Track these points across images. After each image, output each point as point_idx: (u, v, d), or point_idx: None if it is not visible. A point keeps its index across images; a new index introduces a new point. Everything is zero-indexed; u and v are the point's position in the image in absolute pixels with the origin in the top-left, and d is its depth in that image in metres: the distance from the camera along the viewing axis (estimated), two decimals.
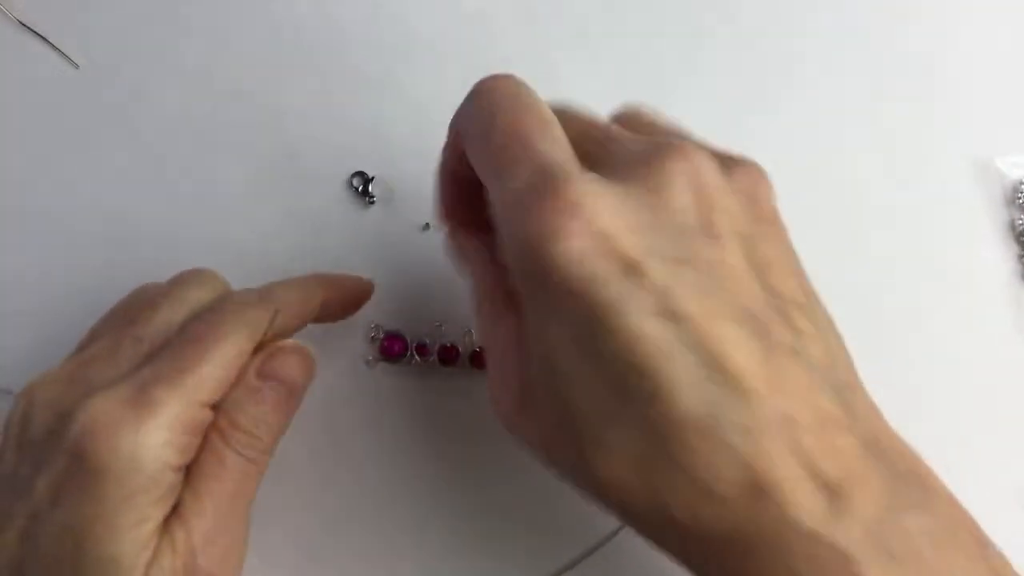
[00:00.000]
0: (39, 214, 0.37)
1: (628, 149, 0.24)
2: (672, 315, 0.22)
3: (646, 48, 0.40)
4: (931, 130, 0.39)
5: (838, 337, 0.25)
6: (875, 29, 0.40)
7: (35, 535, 0.25)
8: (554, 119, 0.25)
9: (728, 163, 0.25)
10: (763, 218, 0.25)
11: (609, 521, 0.34)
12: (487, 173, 0.25)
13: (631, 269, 0.22)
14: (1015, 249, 0.38)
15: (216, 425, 0.27)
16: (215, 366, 0.27)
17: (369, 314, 0.36)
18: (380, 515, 0.35)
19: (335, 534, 0.34)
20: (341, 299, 0.33)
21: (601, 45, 0.40)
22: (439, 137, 0.39)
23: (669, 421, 0.21)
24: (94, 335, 0.30)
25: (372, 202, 0.37)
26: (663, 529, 0.23)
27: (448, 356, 0.35)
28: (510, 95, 0.26)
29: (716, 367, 0.21)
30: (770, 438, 0.21)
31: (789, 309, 0.23)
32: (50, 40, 0.39)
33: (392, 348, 0.35)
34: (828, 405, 0.22)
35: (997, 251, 0.38)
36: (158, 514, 0.25)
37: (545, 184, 0.22)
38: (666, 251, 0.22)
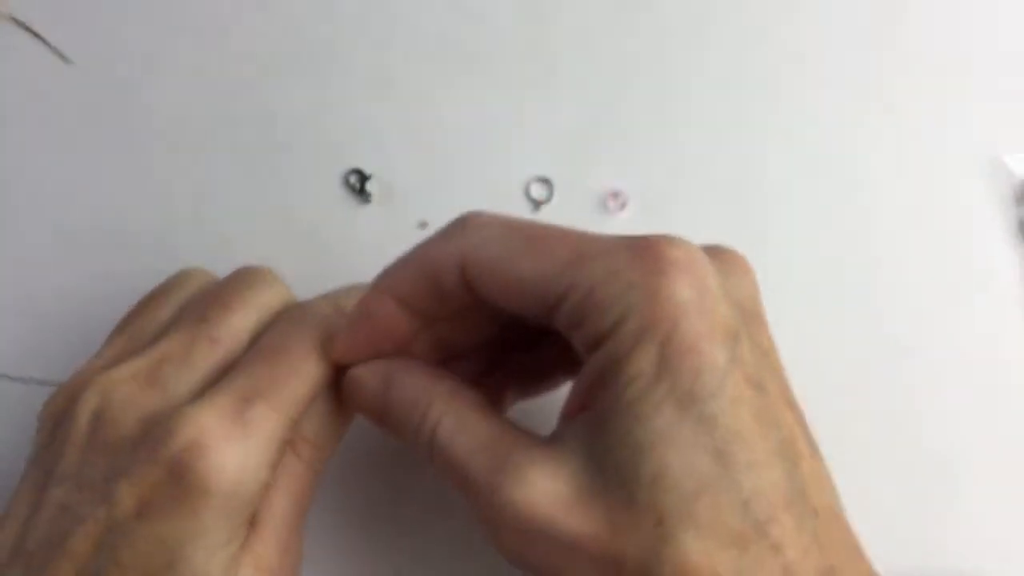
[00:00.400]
0: (31, 211, 0.37)
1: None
2: (759, 385, 0.24)
3: (648, 48, 0.40)
4: (939, 127, 0.39)
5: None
6: (882, 26, 0.40)
7: (115, 546, 0.24)
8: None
9: (715, 255, 0.26)
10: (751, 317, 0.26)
11: None
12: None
13: (733, 338, 0.23)
14: (1023, 248, 0.38)
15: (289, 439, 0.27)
16: (304, 381, 0.26)
17: None
18: (380, 516, 0.34)
19: (335, 534, 0.34)
20: None
21: (602, 45, 0.39)
22: (437, 133, 0.38)
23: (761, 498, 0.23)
24: (150, 322, 0.29)
25: (369, 200, 0.37)
26: None
27: None
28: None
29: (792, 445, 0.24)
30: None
31: None
32: (42, 36, 0.38)
33: None
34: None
35: (1006, 249, 0.38)
36: (245, 532, 0.25)
37: (646, 239, 0.24)
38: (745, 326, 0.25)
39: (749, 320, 0.25)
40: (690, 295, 0.23)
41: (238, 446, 0.24)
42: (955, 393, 0.36)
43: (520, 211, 0.37)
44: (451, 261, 0.25)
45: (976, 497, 0.36)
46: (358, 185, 0.37)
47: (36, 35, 0.38)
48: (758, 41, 0.40)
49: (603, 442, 0.23)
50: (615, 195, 0.37)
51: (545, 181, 0.37)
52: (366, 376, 0.27)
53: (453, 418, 0.25)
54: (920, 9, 0.40)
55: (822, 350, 0.36)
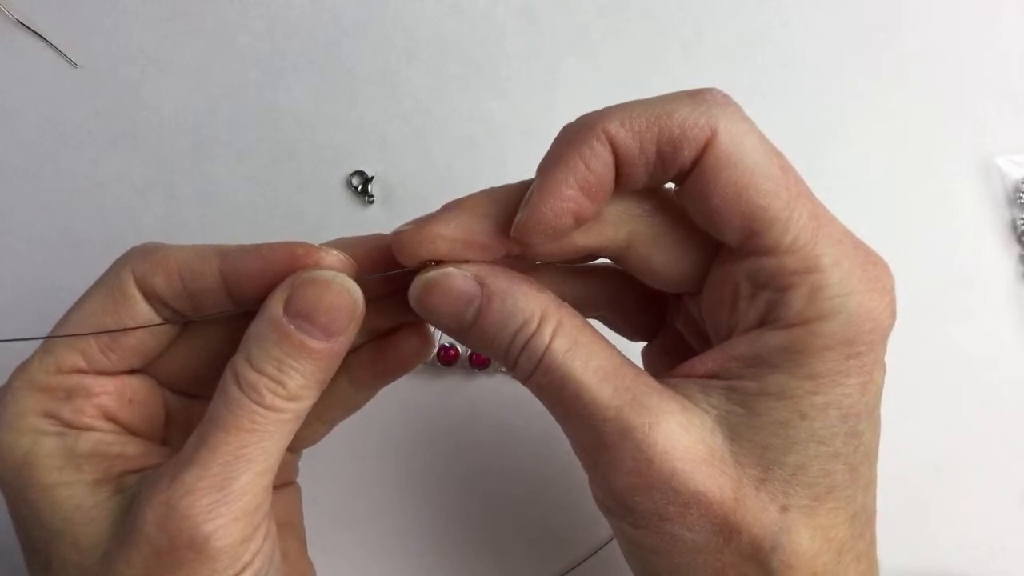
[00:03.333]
0: (39, 211, 0.37)
1: None
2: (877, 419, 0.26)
3: (646, 49, 0.40)
4: (932, 129, 0.39)
5: None
6: (876, 29, 0.40)
7: None
8: None
9: None
10: None
11: (607, 524, 0.34)
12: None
13: (884, 364, 0.26)
14: (1016, 249, 0.38)
15: (231, 364, 0.24)
16: None
17: None
18: (380, 517, 0.35)
19: (334, 535, 0.34)
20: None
21: (601, 46, 0.40)
22: (438, 136, 0.39)
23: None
24: None
25: (371, 201, 0.37)
26: None
27: (448, 357, 0.35)
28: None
29: None
30: None
31: None
32: (49, 39, 0.39)
33: None
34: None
35: (998, 250, 0.38)
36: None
37: (872, 253, 0.26)
38: None
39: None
40: (890, 324, 0.24)
41: None
42: (948, 392, 0.37)
43: None
44: (699, 129, 0.23)
45: (973, 497, 0.36)
46: (361, 187, 0.38)
47: (44, 39, 0.39)
48: (753, 44, 0.40)
49: (751, 420, 0.23)
50: None
51: None
52: (453, 277, 0.24)
53: (568, 338, 0.23)
54: (913, 13, 0.41)
55: None
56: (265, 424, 0.24)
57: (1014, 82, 0.40)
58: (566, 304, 0.24)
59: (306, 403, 0.24)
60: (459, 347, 0.35)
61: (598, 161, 0.23)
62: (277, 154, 0.38)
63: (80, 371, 0.25)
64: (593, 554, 0.34)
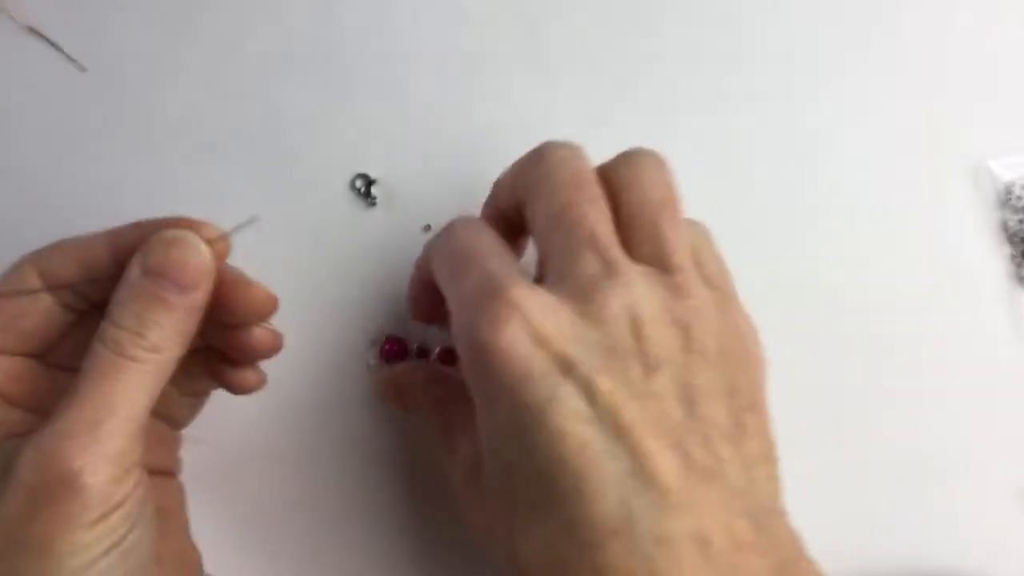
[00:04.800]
0: (46, 214, 0.38)
1: (581, 272, 0.26)
2: (600, 420, 0.23)
3: (644, 53, 0.40)
4: (923, 131, 0.39)
5: (769, 464, 0.27)
6: (868, 31, 0.41)
7: None
8: (501, 248, 0.28)
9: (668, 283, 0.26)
10: (695, 349, 0.26)
11: None
12: (446, 285, 0.28)
13: (565, 369, 0.24)
14: (1007, 250, 0.38)
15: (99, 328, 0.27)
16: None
17: (371, 316, 0.36)
18: (380, 517, 0.35)
19: (334, 535, 0.35)
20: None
21: (600, 50, 0.40)
22: (442, 138, 0.39)
23: (589, 521, 0.23)
24: None
25: (374, 203, 0.38)
26: None
27: (449, 358, 0.36)
28: (471, 229, 0.29)
29: (639, 476, 0.23)
30: (683, 553, 0.22)
31: (712, 435, 0.25)
32: (57, 44, 0.39)
33: (393, 351, 0.35)
34: (743, 528, 0.23)
35: (989, 252, 0.38)
36: None
37: (490, 285, 0.25)
38: (597, 362, 0.24)
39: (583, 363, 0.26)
40: (509, 337, 0.25)
41: None
42: (940, 394, 0.37)
43: None
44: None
45: (969, 498, 0.36)
46: (364, 189, 0.38)
47: (52, 44, 0.39)
48: (747, 46, 0.40)
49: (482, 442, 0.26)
50: None
51: None
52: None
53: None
54: (904, 13, 0.41)
55: (806, 351, 0.37)
56: (127, 373, 0.26)
57: (1005, 84, 0.40)
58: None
59: (168, 354, 0.27)
60: (406, 342, 0.36)
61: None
62: (281, 156, 0.38)
63: None
64: None
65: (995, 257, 0.38)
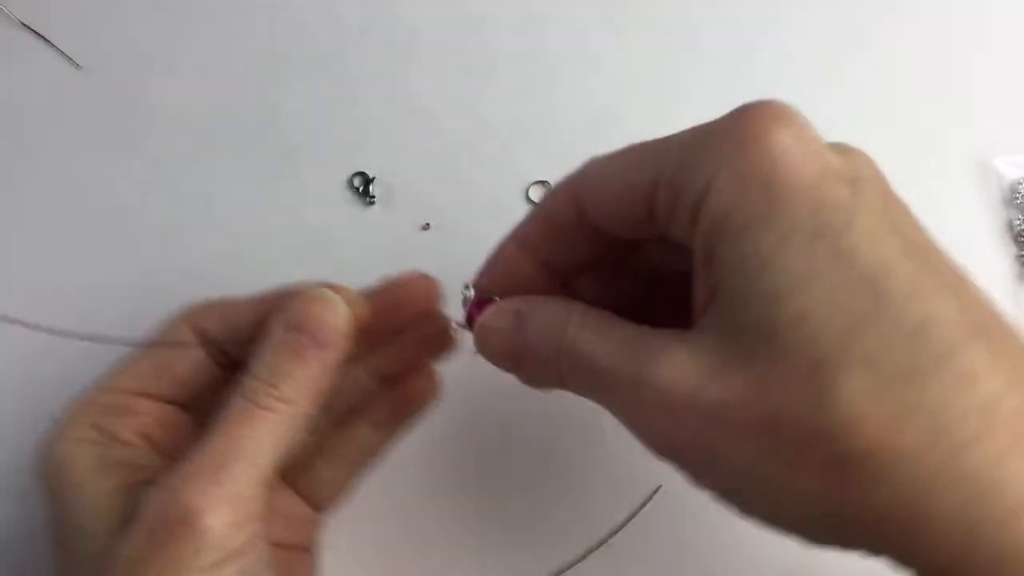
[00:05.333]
0: (43, 211, 0.37)
1: None
2: (897, 231, 0.21)
3: (645, 49, 0.40)
4: (930, 130, 0.39)
5: None
6: (873, 29, 0.40)
7: None
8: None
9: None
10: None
11: (606, 523, 0.35)
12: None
13: (852, 182, 0.22)
14: (1013, 249, 0.38)
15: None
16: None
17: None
18: (380, 516, 0.35)
19: (335, 534, 0.35)
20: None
21: (601, 46, 0.40)
22: (440, 137, 0.39)
23: (937, 326, 0.20)
24: None
25: (372, 202, 0.38)
26: (885, 478, 0.20)
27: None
28: None
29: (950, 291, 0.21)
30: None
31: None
32: (52, 41, 0.39)
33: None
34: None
35: (995, 251, 0.38)
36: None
37: (748, 105, 0.23)
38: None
39: (877, 189, 0.23)
40: (787, 136, 0.21)
41: None
42: None
43: (520, 214, 0.37)
44: (564, 191, 0.26)
45: None
46: (362, 188, 0.38)
47: (47, 40, 0.39)
48: (752, 44, 0.40)
49: (733, 307, 0.21)
50: None
51: (544, 184, 0.38)
52: (495, 318, 0.27)
53: (591, 329, 0.25)
54: (910, 13, 0.41)
55: None
56: (257, 421, 0.26)
57: (1011, 83, 0.40)
58: (590, 307, 0.26)
59: (298, 408, 0.27)
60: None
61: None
62: (279, 155, 0.38)
63: (132, 393, 0.29)
64: (591, 552, 0.34)
65: (1001, 256, 0.38)
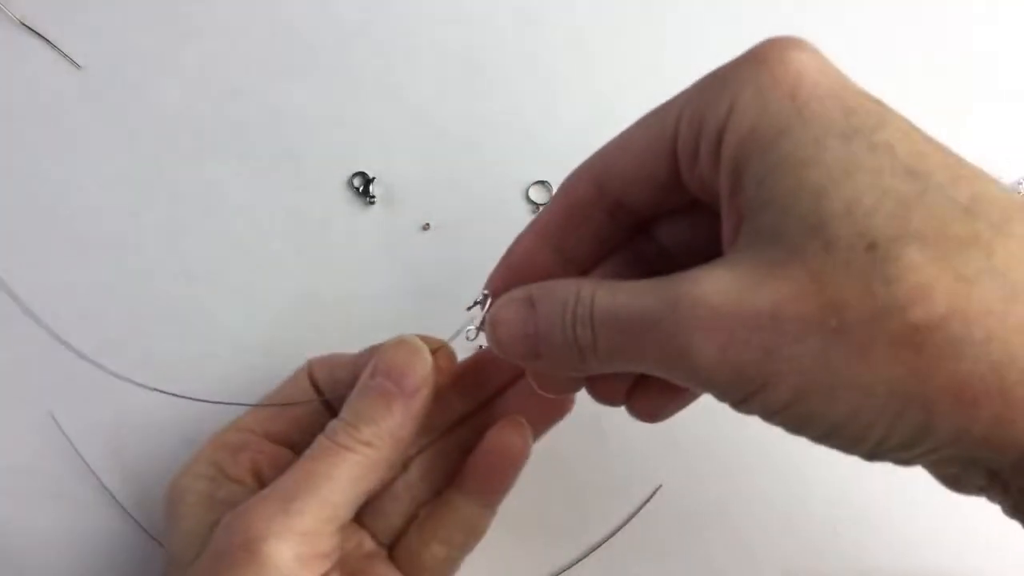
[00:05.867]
0: (40, 213, 0.37)
1: None
2: (929, 139, 0.21)
3: (643, 51, 0.40)
4: (927, 129, 0.39)
5: None
6: (870, 28, 0.40)
7: None
8: None
9: None
10: None
11: (606, 523, 0.35)
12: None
13: (877, 102, 0.22)
14: None
15: None
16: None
17: (369, 314, 0.36)
18: None
19: None
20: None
21: (600, 46, 0.40)
22: (440, 137, 0.39)
23: (986, 196, 0.19)
24: None
25: (372, 202, 0.38)
26: (964, 344, 0.19)
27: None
28: None
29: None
30: None
31: None
32: (51, 40, 0.39)
33: None
34: None
35: None
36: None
37: (765, 39, 0.23)
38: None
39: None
40: (808, 56, 0.21)
41: None
42: None
43: (520, 214, 0.37)
44: (581, 173, 0.26)
45: (973, 499, 0.36)
46: (362, 187, 0.38)
47: (46, 40, 0.39)
48: (752, 44, 0.40)
49: (774, 211, 0.20)
50: None
51: (544, 184, 0.38)
52: (505, 308, 0.26)
53: (608, 288, 0.23)
54: (911, 13, 0.41)
55: None
56: (334, 458, 0.27)
57: (1008, 82, 0.40)
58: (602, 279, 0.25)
59: (378, 453, 0.27)
60: None
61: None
62: (278, 155, 0.38)
63: (251, 431, 0.30)
64: (591, 552, 0.34)
65: None
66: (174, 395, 0.32)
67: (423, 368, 0.28)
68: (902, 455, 0.21)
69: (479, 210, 0.37)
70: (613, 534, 0.34)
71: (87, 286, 0.36)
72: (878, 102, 0.21)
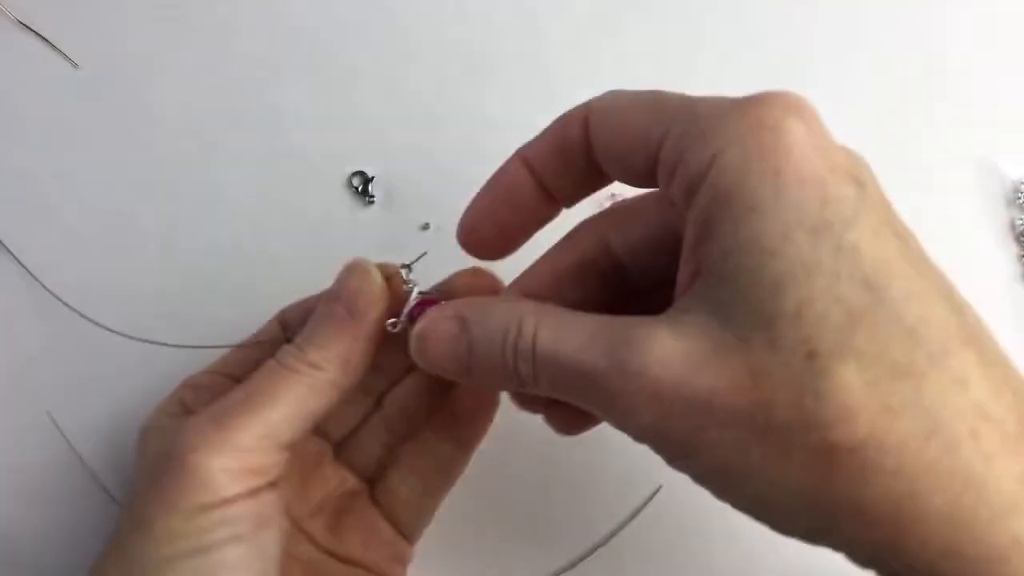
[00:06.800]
0: (41, 211, 0.37)
1: None
2: (896, 233, 0.22)
3: (645, 49, 0.40)
4: (932, 129, 0.39)
5: None
6: (876, 28, 0.40)
7: None
8: None
9: None
10: None
11: (606, 523, 0.35)
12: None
13: (858, 182, 0.22)
14: (1015, 249, 0.38)
15: None
16: None
17: None
18: None
19: None
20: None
21: (600, 45, 0.40)
22: (439, 136, 0.39)
23: (933, 322, 0.20)
24: None
25: (372, 201, 0.38)
26: (875, 471, 0.20)
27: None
28: None
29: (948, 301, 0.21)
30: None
31: None
32: (49, 40, 0.39)
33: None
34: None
35: (997, 251, 0.38)
36: None
37: (766, 92, 0.22)
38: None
39: (878, 192, 0.23)
40: (801, 128, 0.21)
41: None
42: None
43: None
44: (578, 115, 0.26)
45: None
46: (361, 187, 0.38)
47: (44, 40, 0.39)
48: (752, 44, 0.40)
49: (730, 289, 0.21)
50: (613, 197, 0.38)
51: None
52: (435, 324, 0.26)
53: (551, 325, 0.23)
54: (912, 11, 0.41)
55: None
56: (278, 376, 0.27)
57: (1014, 82, 0.40)
58: (546, 303, 0.25)
59: (325, 376, 0.27)
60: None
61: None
62: (277, 154, 0.38)
63: (216, 373, 0.31)
64: (591, 552, 0.34)
65: (1003, 256, 0.38)
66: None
67: (371, 290, 0.28)
68: (808, 542, 0.22)
69: None
70: (613, 534, 0.34)
71: (87, 287, 0.36)
72: (860, 185, 0.22)
